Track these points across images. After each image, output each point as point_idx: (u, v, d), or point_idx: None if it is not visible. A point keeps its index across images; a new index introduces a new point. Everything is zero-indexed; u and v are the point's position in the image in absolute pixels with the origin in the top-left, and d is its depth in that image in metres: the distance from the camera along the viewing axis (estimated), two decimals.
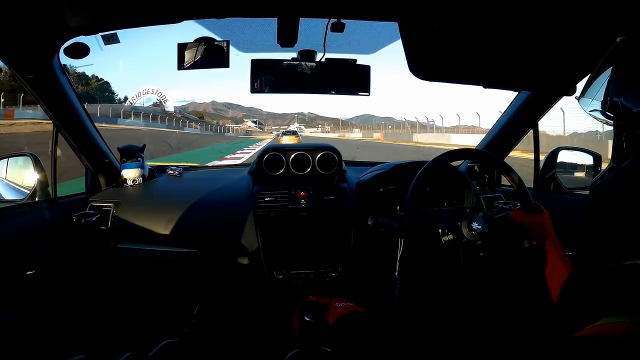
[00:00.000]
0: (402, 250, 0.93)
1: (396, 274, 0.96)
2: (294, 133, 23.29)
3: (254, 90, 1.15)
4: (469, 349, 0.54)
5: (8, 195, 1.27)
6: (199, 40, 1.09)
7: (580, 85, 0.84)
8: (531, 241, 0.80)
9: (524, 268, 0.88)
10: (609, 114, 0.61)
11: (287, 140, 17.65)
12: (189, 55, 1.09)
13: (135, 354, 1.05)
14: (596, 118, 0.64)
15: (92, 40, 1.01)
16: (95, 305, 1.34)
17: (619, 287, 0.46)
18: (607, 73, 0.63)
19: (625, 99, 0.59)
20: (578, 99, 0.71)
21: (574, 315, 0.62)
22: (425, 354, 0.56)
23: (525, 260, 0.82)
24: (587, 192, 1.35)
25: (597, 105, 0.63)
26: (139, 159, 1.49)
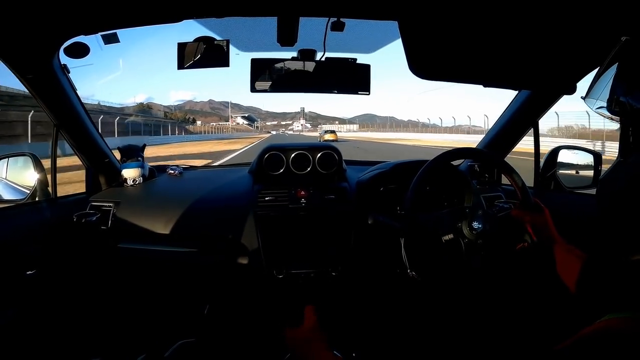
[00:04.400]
0: (405, 248, 0.93)
1: (409, 271, 0.94)
2: (332, 132, 29.46)
3: (254, 89, 1.15)
4: (475, 346, 0.54)
5: (8, 195, 1.27)
6: (199, 40, 1.09)
7: (583, 85, 0.84)
8: (532, 238, 0.80)
9: (525, 265, 0.88)
10: (615, 110, 0.63)
11: (327, 137, 24.14)
12: (189, 55, 1.09)
13: (151, 355, 1.05)
14: (603, 115, 0.66)
15: (92, 40, 1.02)
16: (100, 305, 1.34)
17: (624, 283, 0.47)
18: (612, 71, 0.64)
19: (631, 98, 0.60)
20: (584, 98, 0.72)
21: (596, 301, 0.63)
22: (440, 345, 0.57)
23: (526, 257, 0.82)
24: (587, 191, 1.35)
25: (603, 103, 0.65)
26: (139, 158, 1.49)
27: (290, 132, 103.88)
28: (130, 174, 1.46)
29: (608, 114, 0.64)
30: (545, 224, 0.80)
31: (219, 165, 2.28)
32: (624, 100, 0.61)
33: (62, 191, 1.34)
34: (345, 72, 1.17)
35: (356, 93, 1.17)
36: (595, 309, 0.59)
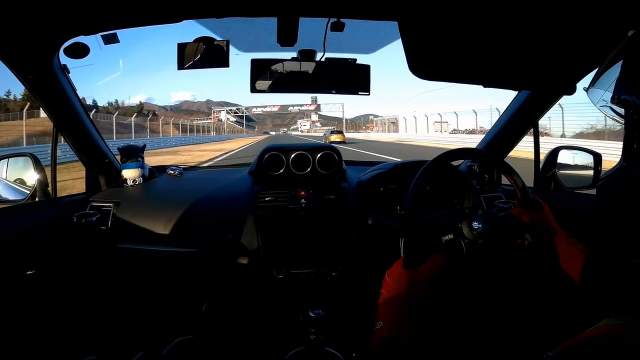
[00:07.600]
0: (403, 249, 0.93)
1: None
2: (340, 132, 27.92)
3: (254, 90, 1.15)
4: (476, 346, 0.54)
5: (8, 195, 1.27)
6: (199, 40, 1.09)
7: (582, 85, 0.82)
8: (534, 236, 0.80)
9: (527, 264, 0.88)
10: (619, 112, 0.58)
11: (334, 137, 22.75)
12: (189, 55, 1.09)
13: (148, 353, 1.05)
14: (606, 115, 0.61)
15: (92, 40, 1.01)
16: (100, 305, 1.34)
17: (624, 283, 0.47)
18: (617, 68, 0.59)
19: (637, 98, 0.55)
20: (587, 90, 0.67)
21: (600, 295, 0.62)
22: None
23: (527, 255, 0.82)
24: (587, 192, 1.34)
25: (607, 101, 0.60)
26: (139, 159, 1.49)
27: (296, 133, 68.92)
28: (130, 174, 1.47)
29: (612, 113, 0.59)
30: (546, 219, 0.79)
31: (219, 166, 2.28)
32: (628, 100, 0.56)
33: None
34: (345, 72, 1.17)
35: (356, 93, 1.18)
36: (598, 304, 0.58)
